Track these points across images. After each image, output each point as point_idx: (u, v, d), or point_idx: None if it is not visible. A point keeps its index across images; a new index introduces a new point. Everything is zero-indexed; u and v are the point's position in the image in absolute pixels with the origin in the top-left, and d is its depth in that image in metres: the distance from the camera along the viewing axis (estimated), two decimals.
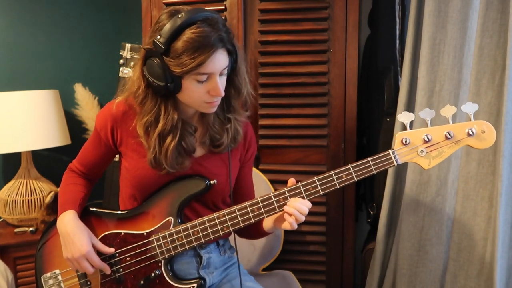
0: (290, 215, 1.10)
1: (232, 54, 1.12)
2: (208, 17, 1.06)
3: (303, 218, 1.10)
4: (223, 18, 1.13)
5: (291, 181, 1.14)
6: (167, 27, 1.03)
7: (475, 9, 1.55)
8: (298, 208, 1.09)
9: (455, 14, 1.57)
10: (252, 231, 1.30)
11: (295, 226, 1.11)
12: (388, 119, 1.82)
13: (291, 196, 1.12)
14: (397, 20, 1.78)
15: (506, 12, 1.48)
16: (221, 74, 1.11)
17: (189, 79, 1.08)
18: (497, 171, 1.49)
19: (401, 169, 1.75)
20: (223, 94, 1.11)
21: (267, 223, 1.25)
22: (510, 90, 1.46)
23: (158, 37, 1.04)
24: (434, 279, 1.68)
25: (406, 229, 1.70)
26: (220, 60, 1.07)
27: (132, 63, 2.02)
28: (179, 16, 1.04)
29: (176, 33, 1.03)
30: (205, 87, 1.09)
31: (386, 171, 1.75)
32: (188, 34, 1.03)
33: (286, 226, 1.12)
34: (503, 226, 1.51)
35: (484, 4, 1.49)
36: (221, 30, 1.06)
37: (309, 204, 1.11)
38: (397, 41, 1.79)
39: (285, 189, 1.12)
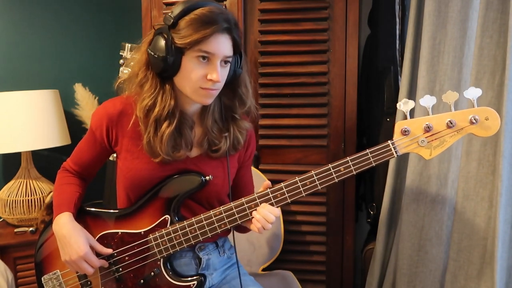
0: (258, 221, 1.12)
1: (236, 48, 1.13)
2: (221, 7, 1.11)
3: (269, 226, 1.12)
4: None
5: (265, 185, 1.16)
6: (180, 5, 1.08)
7: (475, 9, 1.55)
8: (264, 215, 1.11)
9: (455, 14, 1.57)
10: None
11: (262, 232, 1.13)
12: (388, 119, 1.82)
13: (288, 191, 1.11)
14: (397, 20, 1.78)
15: (506, 12, 1.48)
16: (224, 63, 1.11)
17: (189, 56, 1.08)
18: (497, 171, 1.49)
19: (401, 169, 1.75)
20: (220, 80, 1.10)
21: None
22: (510, 90, 1.45)
23: (170, 13, 1.08)
24: (434, 279, 1.68)
25: (406, 229, 1.70)
26: (224, 44, 1.09)
27: (132, 63, 2.02)
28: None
29: (187, 10, 1.07)
30: (203, 69, 1.09)
31: (386, 171, 1.75)
32: (198, 10, 1.07)
33: (254, 229, 1.15)
34: (503, 226, 1.51)
35: (484, 4, 1.49)
36: (229, 16, 1.10)
37: (277, 212, 1.12)
38: (397, 41, 1.79)
39: (282, 184, 1.12)
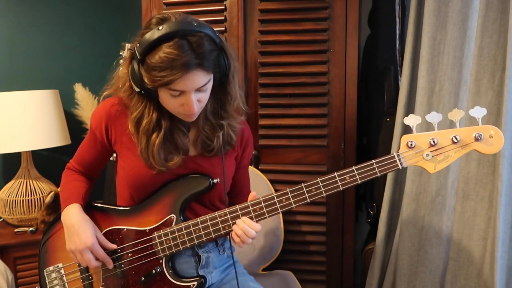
0: (238, 236, 1.12)
1: (214, 69, 1.08)
2: (188, 34, 1.01)
3: (249, 241, 1.12)
4: (210, 29, 1.06)
5: (252, 195, 1.15)
6: (146, 37, 1.01)
7: (475, 9, 1.55)
8: (245, 230, 1.11)
9: (455, 14, 1.57)
10: None
11: (241, 246, 1.13)
12: (388, 119, 1.82)
13: (293, 197, 1.11)
14: (397, 20, 1.78)
15: (506, 12, 1.48)
16: (200, 90, 1.08)
17: (163, 90, 1.07)
18: (497, 171, 1.49)
19: (401, 169, 1.75)
20: (195, 111, 1.09)
21: None
22: (510, 90, 1.46)
23: (138, 44, 1.03)
24: (434, 279, 1.68)
25: (406, 229, 1.70)
26: (194, 80, 1.04)
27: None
28: (159, 28, 1.01)
29: (152, 47, 1.01)
30: (179, 100, 1.07)
31: None
32: (162, 50, 1.00)
33: (235, 241, 1.14)
34: (503, 226, 1.51)
35: (484, 4, 1.49)
36: (197, 51, 1.01)
37: (258, 228, 1.12)
38: (397, 41, 1.79)
39: (288, 189, 1.12)
